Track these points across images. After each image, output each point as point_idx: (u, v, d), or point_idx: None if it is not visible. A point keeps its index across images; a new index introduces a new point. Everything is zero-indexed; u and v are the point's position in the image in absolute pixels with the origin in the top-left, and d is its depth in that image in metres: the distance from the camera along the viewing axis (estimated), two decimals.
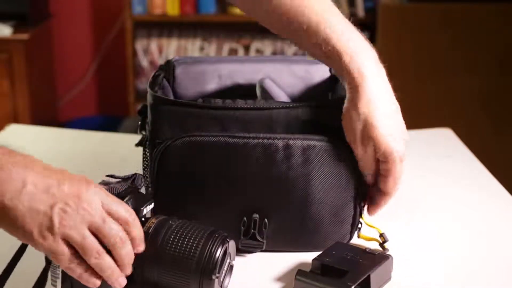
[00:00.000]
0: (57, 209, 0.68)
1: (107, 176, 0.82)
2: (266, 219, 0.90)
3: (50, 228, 0.68)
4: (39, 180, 0.68)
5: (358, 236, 0.95)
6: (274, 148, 0.87)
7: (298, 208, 0.90)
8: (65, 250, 0.69)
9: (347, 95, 0.88)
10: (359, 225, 0.95)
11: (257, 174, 0.88)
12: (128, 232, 0.73)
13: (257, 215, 0.90)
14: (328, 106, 0.91)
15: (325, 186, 0.90)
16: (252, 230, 0.90)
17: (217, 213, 0.90)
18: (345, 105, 0.88)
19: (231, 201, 0.89)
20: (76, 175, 0.72)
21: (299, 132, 0.89)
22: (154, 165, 0.89)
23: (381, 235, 0.93)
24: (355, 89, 0.87)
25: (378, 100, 0.87)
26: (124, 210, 0.73)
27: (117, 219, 0.72)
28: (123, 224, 0.72)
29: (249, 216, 0.90)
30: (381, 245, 0.93)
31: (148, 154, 0.92)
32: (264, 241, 0.91)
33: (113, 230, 0.71)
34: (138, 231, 0.74)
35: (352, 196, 0.91)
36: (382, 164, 0.88)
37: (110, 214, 0.71)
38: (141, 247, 0.74)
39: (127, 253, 0.72)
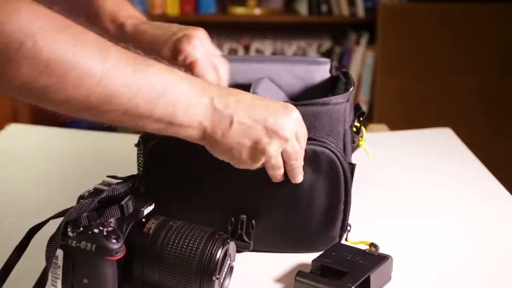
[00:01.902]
0: (261, 145, 0.80)
1: (108, 176, 0.82)
2: (253, 221, 0.91)
3: (253, 158, 0.82)
4: (245, 118, 0.80)
5: (346, 240, 0.95)
6: None
7: (286, 210, 0.90)
8: (258, 166, 0.84)
9: None
10: (348, 228, 0.94)
11: (245, 175, 0.86)
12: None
13: (245, 216, 0.90)
14: (319, 105, 0.90)
15: (314, 188, 0.89)
16: (239, 231, 0.90)
17: (204, 213, 0.90)
18: None
19: (218, 201, 0.89)
20: (278, 104, 0.83)
21: None
22: (143, 163, 0.90)
23: (372, 244, 0.92)
24: None
25: None
26: (304, 134, 0.85)
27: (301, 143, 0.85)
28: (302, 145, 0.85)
29: (237, 217, 0.90)
30: (372, 245, 0.92)
31: (141, 152, 0.92)
32: (251, 242, 0.91)
33: (294, 155, 0.84)
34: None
35: (341, 198, 0.91)
36: None
37: (297, 137, 0.84)
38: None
39: (298, 166, 0.86)
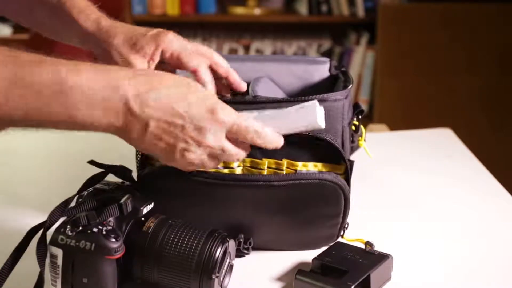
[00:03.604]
0: (178, 149, 0.75)
1: (89, 162, 0.86)
2: (251, 239, 0.91)
3: (171, 161, 0.77)
4: (161, 123, 0.73)
5: (342, 237, 0.95)
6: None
7: (285, 229, 0.91)
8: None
9: None
10: (346, 225, 0.95)
11: (242, 200, 0.87)
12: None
13: (242, 235, 0.91)
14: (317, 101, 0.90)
15: (314, 213, 0.90)
16: (237, 247, 0.90)
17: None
18: None
19: (214, 223, 0.88)
20: (205, 105, 0.75)
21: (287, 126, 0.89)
22: (140, 165, 0.90)
23: (367, 243, 0.92)
24: None
25: None
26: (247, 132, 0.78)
27: (235, 142, 0.79)
28: (241, 146, 0.80)
29: (234, 236, 0.90)
30: (368, 244, 0.93)
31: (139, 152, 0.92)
32: (249, 252, 0.92)
33: (229, 158, 0.79)
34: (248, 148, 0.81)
35: (340, 212, 0.91)
36: None
37: (229, 139, 0.78)
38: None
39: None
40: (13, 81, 0.67)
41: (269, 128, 0.79)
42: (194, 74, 0.93)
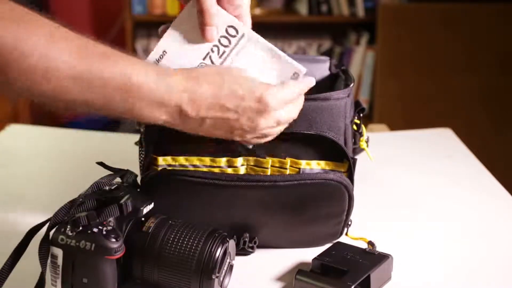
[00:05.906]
0: (235, 135, 0.81)
1: (97, 163, 0.84)
2: (256, 238, 0.92)
3: (230, 139, 0.83)
4: (217, 120, 0.79)
5: (346, 234, 0.96)
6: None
7: (290, 223, 0.92)
8: None
9: None
10: (349, 223, 0.95)
11: (247, 200, 0.88)
12: None
13: (247, 235, 0.91)
14: (320, 100, 0.90)
15: (317, 212, 0.91)
16: (242, 246, 0.91)
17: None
18: None
19: (220, 222, 0.88)
20: (252, 98, 0.80)
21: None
22: (143, 168, 0.89)
23: (369, 243, 0.93)
24: None
25: None
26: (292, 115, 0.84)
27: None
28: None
29: (240, 235, 0.91)
30: (370, 243, 0.93)
31: (143, 152, 0.92)
32: (254, 251, 0.92)
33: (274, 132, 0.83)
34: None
35: (344, 210, 0.92)
36: None
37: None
38: None
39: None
40: (81, 72, 0.72)
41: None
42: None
